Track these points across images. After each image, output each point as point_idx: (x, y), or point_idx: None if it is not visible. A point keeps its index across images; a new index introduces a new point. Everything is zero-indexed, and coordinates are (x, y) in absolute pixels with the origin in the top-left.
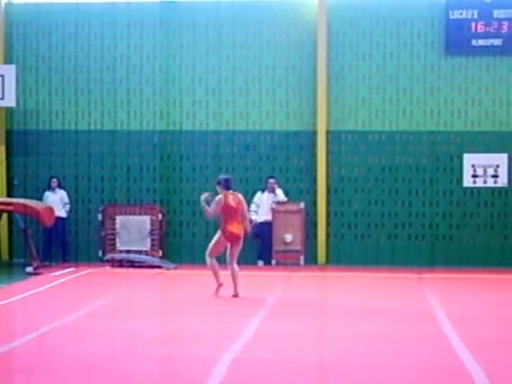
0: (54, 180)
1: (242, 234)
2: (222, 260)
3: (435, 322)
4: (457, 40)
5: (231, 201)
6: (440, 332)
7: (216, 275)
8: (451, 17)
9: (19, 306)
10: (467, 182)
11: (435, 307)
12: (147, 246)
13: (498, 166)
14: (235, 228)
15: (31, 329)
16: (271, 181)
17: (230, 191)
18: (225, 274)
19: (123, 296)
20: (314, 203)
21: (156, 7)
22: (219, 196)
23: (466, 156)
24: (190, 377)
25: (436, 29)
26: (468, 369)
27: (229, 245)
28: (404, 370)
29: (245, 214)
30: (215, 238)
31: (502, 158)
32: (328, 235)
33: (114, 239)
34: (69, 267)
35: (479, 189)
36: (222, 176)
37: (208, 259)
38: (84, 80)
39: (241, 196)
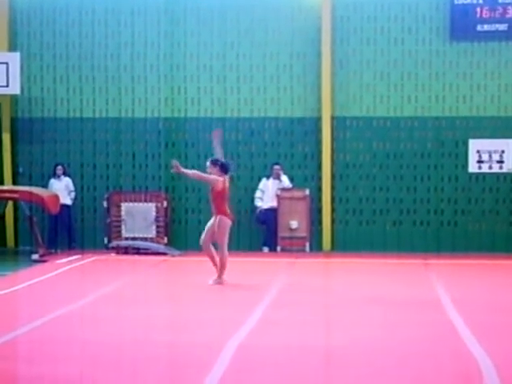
0: (60, 167)
1: None
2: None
3: (441, 308)
4: (462, 25)
5: (227, 185)
6: (445, 317)
7: (224, 266)
8: (456, 2)
9: (25, 294)
10: (472, 167)
11: (440, 293)
12: (152, 233)
13: (503, 152)
14: (228, 210)
15: (37, 316)
16: (276, 167)
17: (225, 176)
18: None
19: (129, 283)
20: (319, 189)
21: None
22: (219, 178)
23: (471, 141)
24: (196, 363)
25: (441, 14)
26: (474, 354)
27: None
28: (409, 356)
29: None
30: (225, 229)
31: (507, 144)
32: (333, 221)
33: (120, 226)
34: (74, 254)
35: (484, 174)
36: (217, 159)
37: (225, 250)
38: (88, 67)
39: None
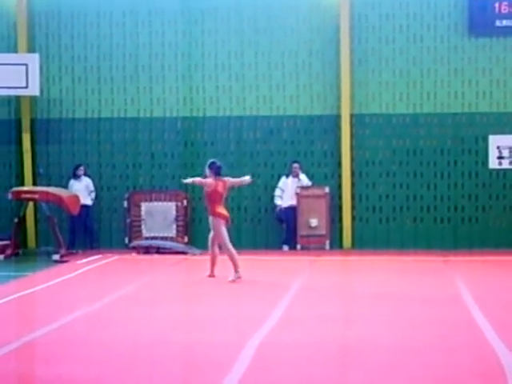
0: (81, 168)
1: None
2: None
3: (462, 305)
4: (480, 21)
5: (219, 187)
6: (467, 314)
7: (235, 261)
8: None
9: (45, 294)
10: (492, 163)
11: (461, 290)
12: (173, 233)
13: None
14: (224, 210)
15: (57, 317)
16: (295, 165)
17: (220, 178)
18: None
19: (149, 282)
20: (339, 187)
21: None
22: (210, 180)
23: (491, 137)
24: (216, 362)
25: (459, 10)
26: (496, 351)
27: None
28: (430, 354)
29: (234, 182)
30: (217, 228)
31: None
32: (353, 219)
33: (140, 226)
34: (95, 254)
35: (505, 170)
36: (215, 162)
37: (230, 247)
38: (106, 68)
39: (226, 179)
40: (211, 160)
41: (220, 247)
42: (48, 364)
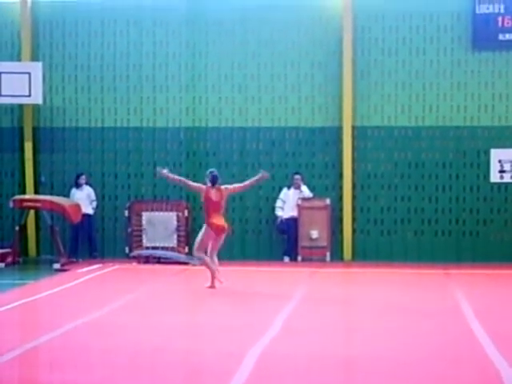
0: (83, 177)
1: (226, 227)
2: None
3: (462, 318)
4: (483, 34)
5: (213, 195)
6: (466, 327)
7: (211, 269)
8: (478, 11)
9: (46, 302)
10: (494, 177)
11: (462, 303)
12: (173, 243)
13: None
14: (220, 221)
15: (58, 325)
16: (297, 177)
17: (215, 186)
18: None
19: (150, 292)
20: (340, 199)
21: (182, 4)
22: (198, 185)
23: (492, 151)
24: (217, 371)
25: (462, 23)
26: (495, 365)
27: (212, 238)
28: (430, 366)
29: (236, 188)
30: (201, 233)
31: None
32: (354, 231)
33: (141, 235)
34: (96, 263)
35: (506, 184)
36: (212, 171)
37: (196, 254)
38: (110, 77)
39: (224, 187)
40: (210, 170)
41: (215, 256)
42: (51, 370)
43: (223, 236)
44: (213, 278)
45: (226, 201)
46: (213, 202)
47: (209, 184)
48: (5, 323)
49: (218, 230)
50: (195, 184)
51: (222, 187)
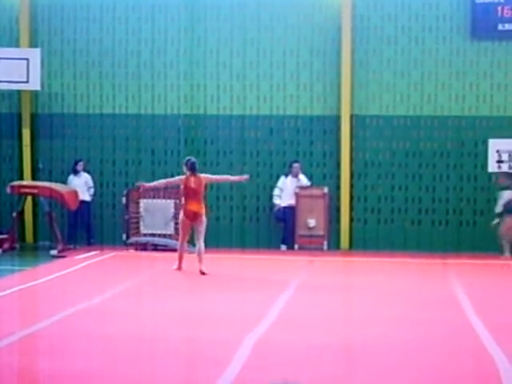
0: (80, 163)
1: (201, 212)
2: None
3: (459, 308)
4: (483, 24)
5: (192, 183)
6: (464, 317)
7: (180, 258)
8: (477, 0)
9: (44, 289)
10: (492, 167)
11: (459, 292)
12: (171, 230)
13: None
14: (194, 206)
15: (56, 311)
16: (295, 165)
17: (194, 173)
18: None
19: (147, 279)
20: (338, 188)
21: None
22: (182, 176)
23: (490, 141)
24: (214, 358)
25: (462, 12)
26: (492, 354)
27: (187, 223)
28: (428, 355)
29: (213, 178)
30: (180, 223)
31: None
32: (351, 220)
33: (138, 223)
34: (93, 250)
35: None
36: (189, 158)
37: (179, 239)
38: (109, 63)
39: (203, 176)
40: (187, 157)
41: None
42: (50, 357)
43: (199, 220)
44: (178, 267)
45: (204, 188)
46: (191, 188)
47: (187, 172)
48: (2, 309)
49: (191, 215)
50: (175, 178)
51: (202, 175)
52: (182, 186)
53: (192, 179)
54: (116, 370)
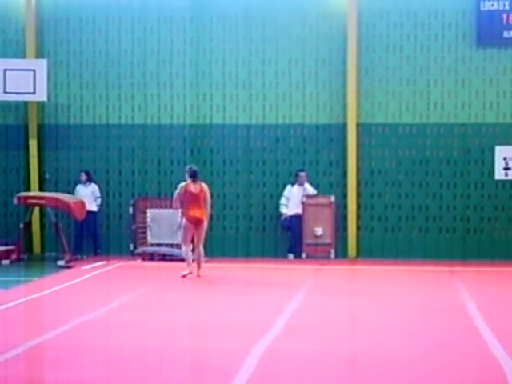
0: (83, 174)
1: (203, 218)
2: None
3: (466, 315)
4: (488, 31)
5: (192, 188)
6: (471, 325)
7: (188, 262)
8: (482, 8)
9: (51, 299)
10: (499, 174)
11: (466, 300)
12: (178, 240)
13: None
14: (196, 212)
15: (62, 322)
16: (302, 174)
17: (195, 181)
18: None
19: (154, 289)
20: (345, 196)
21: (186, 1)
22: (182, 183)
23: (497, 148)
24: (221, 369)
25: (467, 20)
26: (499, 361)
27: (190, 229)
28: (434, 363)
29: (207, 201)
30: (182, 227)
31: None
32: (358, 228)
33: (145, 232)
34: (100, 260)
35: (511, 181)
36: (191, 167)
37: (183, 247)
38: (115, 74)
39: (205, 186)
40: (189, 165)
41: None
42: (56, 368)
43: (201, 227)
44: (189, 272)
45: (205, 196)
46: (192, 194)
47: (189, 179)
48: (9, 320)
49: (193, 220)
50: (177, 190)
51: (203, 184)
52: (182, 192)
53: (192, 185)
54: (122, 381)
